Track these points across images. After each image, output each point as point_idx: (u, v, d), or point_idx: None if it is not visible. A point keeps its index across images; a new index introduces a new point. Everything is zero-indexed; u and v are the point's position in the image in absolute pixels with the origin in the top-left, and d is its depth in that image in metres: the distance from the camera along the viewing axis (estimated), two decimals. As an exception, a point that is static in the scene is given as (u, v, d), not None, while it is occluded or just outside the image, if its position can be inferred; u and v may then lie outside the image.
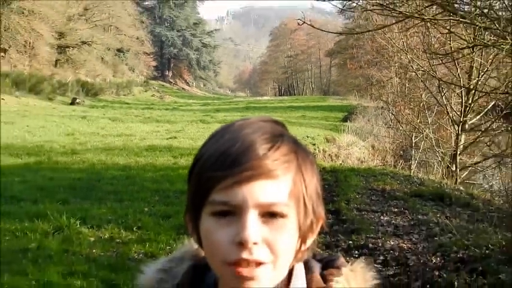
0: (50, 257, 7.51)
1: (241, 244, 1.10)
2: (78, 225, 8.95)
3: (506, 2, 9.12)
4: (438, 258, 7.66)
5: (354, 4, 11.99)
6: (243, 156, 1.12)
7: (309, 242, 1.23)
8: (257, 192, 1.11)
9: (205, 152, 1.18)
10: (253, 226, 1.10)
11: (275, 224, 1.13)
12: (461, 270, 7.00)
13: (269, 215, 1.12)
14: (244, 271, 1.11)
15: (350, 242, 8.54)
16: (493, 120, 18.60)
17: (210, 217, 1.14)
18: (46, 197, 10.83)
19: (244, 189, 1.10)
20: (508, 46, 8.69)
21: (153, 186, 12.54)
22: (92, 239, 8.47)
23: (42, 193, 11.26)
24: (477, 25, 8.81)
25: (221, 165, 1.12)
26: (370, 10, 11.90)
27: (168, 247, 7.84)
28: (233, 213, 1.12)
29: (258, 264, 1.12)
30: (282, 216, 1.13)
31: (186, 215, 1.23)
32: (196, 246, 1.29)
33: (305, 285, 1.24)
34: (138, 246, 8.04)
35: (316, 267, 1.28)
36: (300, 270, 1.25)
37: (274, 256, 1.13)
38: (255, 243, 1.10)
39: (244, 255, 1.10)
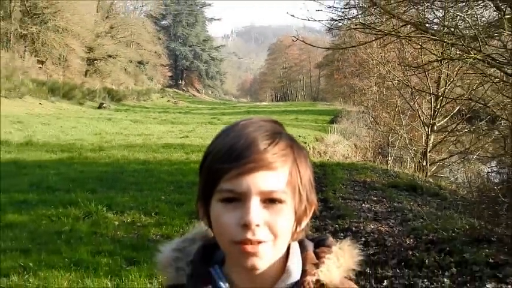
0: (81, 238, 7.57)
1: (246, 226, 1.14)
2: (105, 211, 9.01)
3: (470, 22, 9.14)
4: (411, 240, 7.70)
5: (340, 24, 12.04)
6: (246, 150, 1.15)
7: (303, 224, 1.27)
8: (259, 181, 1.15)
9: (214, 147, 1.22)
10: (256, 211, 1.14)
11: (274, 208, 1.17)
12: (431, 250, 7.03)
13: (269, 201, 1.16)
14: (249, 248, 1.15)
15: (336, 225, 8.57)
16: (457, 122, 18.66)
17: (218, 203, 1.18)
18: (77, 187, 10.87)
19: (248, 179, 1.14)
20: (471, 60, 8.69)
21: (169, 178, 12.53)
22: (117, 223, 8.51)
23: (74, 184, 11.30)
24: (445, 41, 8.80)
25: (228, 158, 1.16)
26: (354, 29, 11.92)
27: (181, 230, 7.84)
28: (238, 199, 1.15)
29: (260, 242, 1.16)
30: (281, 202, 1.17)
31: (198, 202, 1.26)
32: (205, 228, 1.33)
33: (301, 262, 1.27)
34: (156, 229, 8.09)
35: (310, 246, 1.31)
36: (296, 249, 1.29)
37: (274, 236, 1.17)
38: (257, 225, 1.14)
39: (249, 235, 1.14)
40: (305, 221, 1.28)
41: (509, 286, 5.66)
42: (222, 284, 1.25)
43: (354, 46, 16.78)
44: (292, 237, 1.26)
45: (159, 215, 8.85)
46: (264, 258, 1.18)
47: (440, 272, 6.24)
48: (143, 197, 10.10)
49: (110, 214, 8.94)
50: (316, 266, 1.25)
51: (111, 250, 6.97)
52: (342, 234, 8.01)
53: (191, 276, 1.29)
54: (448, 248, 7.01)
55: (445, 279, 6.01)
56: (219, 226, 1.19)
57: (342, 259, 1.27)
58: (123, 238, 7.63)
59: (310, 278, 1.22)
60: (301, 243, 1.31)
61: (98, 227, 8.21)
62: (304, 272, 1.25)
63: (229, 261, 1.27)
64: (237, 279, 1.26)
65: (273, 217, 1.16)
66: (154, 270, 5.98)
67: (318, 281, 1.23)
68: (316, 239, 1.35)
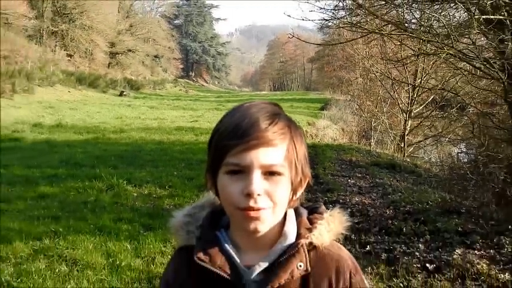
0: (104, 207, 7.57)
1: (249, 195, 1.16)
2: (125, 184, 9.00)
3: (443, 22, 9.08)
4: (391, 211, 7.69)
5: (330, 23, 11.96)
6: (250, 129, 1.17)
7: (299, 193, 1.28)
8: (261, 156, 1.16)
9: (221, 125, 1.23)
10: (258, 182, 1.16)
11: (274, 180, 1.18)
12: (408, 220, 7.02)
13: (269, 173, 1.18)
14: (252, 213, 1.17)
15: (326, 198, 8.56)
16: (432, 109, 18.67)
17: (225, 175, 1.19)
18: (101, 164, 10.87)
19: (251, 154, 1.16)
20: (444, 55, 8.65)
21: (180, 156, 12.48)
22: (135, 194, 8.50)
23: (98, 160, 11.30)
24: (422, 39, 8.74)
25: (234, 136, 1.17)
26: (342, 27, 11.86)
27: (191, 200, 7.77)
28: (242, 172, 1.17)
29: (262, 210, 1.18)
30: (279, 174, 1.19)
31: (206, 174, 1.27)
32: (213, 197, 1.33)
33: (296, 226, 1.28)
34: (169, 200, 8.07)
35: (304, 213, 1.33)
36: (292, 215, 1.30)
37: (273, 203, 1.19)
38: (258, 195, 1.16)
39: (251, 203, 1.16)
40: (300, 191, 1.29)
41: (476, 251, 5.66)
42: (227, 245, 1.27)
43: (342, 42, 16.65)
44: (288, 205, 1.27)
45: (172, 188, 8.83)
46: (265, 223, 1.20)
47: (416, 239, 6.23)
48: (158, 173, 10.07)
49: (129, 187, 8.92)
50: (309, 230, 1.27)
51: (130, 218, 6.97)
52: (330, 205, 7.99)
53: (199, 239, 1.30)
54: (422, 218, 7.00)
55: (420, 245, 6.00)
56: (225, 195, 1.20)
57: (332, 224, 1.29)
58: (141, 207, 7.62)
59: (304, 241, 1.24)
60: (297, 210, 1.33)
61: (119, 198, 8.20)
62: (298, 235, 1.26)
63: (233, 225, 1.29)
64: (240, 241, 1.28)
65: (272, 187, 1.18)
66: (168, 235, 5.99)
67: (310, 243, 1.25)
68: (310, 206, 1.36)
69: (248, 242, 1.27)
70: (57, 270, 5.08)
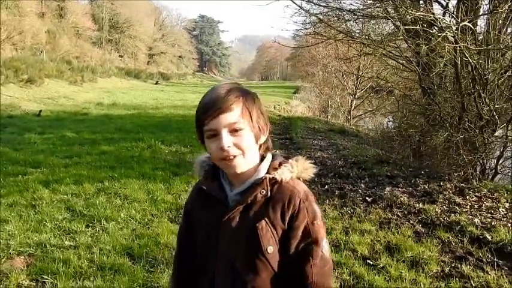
0: (145, 160, 7.47)
1: (222, 149, 1.17)
2: (160, 144, 8.88)
3: (378, 32, 8.98)
4: (342, 162, 7.67)
5: (300, 33, 11.85)
6: (213, 104, 1.17)
7: (262, 138, 1.27)
8: (223, 120, 1.16)
9: (198, 107, 1.22)
10: (226, 138, 1.16)
11: (237, 134, 1.18)
12: (353, 168, 7.02)
13: (234, 130, 1.17)
14: (228, 162, 1.19)
15: (297, 153, 8.52)
16: (369, 93, 18.59)
17: (207, 139, 1.20)
18: (143, 130, 10.70)
19: (217, 120, 1.16)
20: (379, 54, 8.59)
21: (198, 125, 12.38)
22: (166, 151, 8.39)
23: (141, 128, 11.12)
24: (363, 43, 8.67)
25: (204, 111, 1.19)
26: (308, 35, 11.76)
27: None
28: (216, 134, 1.17)
29: (234, 156, 1.18)
30: (240, 129, 1.18)
31: (201, 142, 1.25)
32: None
33: (267, 167, 1.26)
34: (190, 155, 7.96)
35: (279, 159, 1.29)
36: (268, 159, 1.28)
37: (241, 150, 1.19)
38: (229, 147, 1.17)
39: (225, 154, 1.17)
40: (263, 137, 1.27)
41: (399, 189, 5.66)
42: (222, 179, 1.30)
43: (309, 46, 16.51)
44: (260, 149, 1.27)
45: (192, 146, 8.73)
46: (240, 166, 1.20)
47: (359, 180, 6.23)
48: (182, 136, 9.93)
49: (162, 146, 8.79)
50: (276, 169, 1.25)
51: (163, 167, 6.88)
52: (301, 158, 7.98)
53: (206, 173, 1.33)
54: (363, 166, 7.01)
55: (362, 185, 6.00)
56: (210, 152, 1.22)
57: (295, 167, 1.26)
58: (171, 160, 7.54)
59: (268, 175, 1.23)
60: (274, 157, 1.30)
61: (155, 153, 8.10)
62: (267, 172, 1.25)
63: (223, 170, 1.29)
64: (231, 177, 1.28)
65: (237, 139, 1.18)
66: (190, 178, 5.96)
67: (274, 178, 1.23)
68: (286, 156, 1.32)
69: (235, 178, 1.26)
70: (113, 203, 5.04)
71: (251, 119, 1.21)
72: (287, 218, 1.21)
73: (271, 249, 1.20)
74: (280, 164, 1.26)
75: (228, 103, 1.17)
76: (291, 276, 1.22)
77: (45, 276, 3.27)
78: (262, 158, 1.28)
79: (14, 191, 5.37)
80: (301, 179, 1.28)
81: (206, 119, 1.17)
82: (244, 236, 1.21)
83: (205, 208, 1.30)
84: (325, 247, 1.24)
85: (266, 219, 1.21)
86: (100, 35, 40.97)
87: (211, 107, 1.17)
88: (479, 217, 4.55)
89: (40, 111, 13.69)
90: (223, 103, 1.17)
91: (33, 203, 4.95)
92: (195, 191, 1.38)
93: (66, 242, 3.91)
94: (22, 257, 3.64)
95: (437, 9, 7.17)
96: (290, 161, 1.28)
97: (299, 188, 1.25)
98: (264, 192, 1.21)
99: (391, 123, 12.75)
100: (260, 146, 1.27)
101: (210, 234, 1.26)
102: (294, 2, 8.11)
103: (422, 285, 3.23)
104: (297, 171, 1.26)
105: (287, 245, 1.22)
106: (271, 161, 1.28)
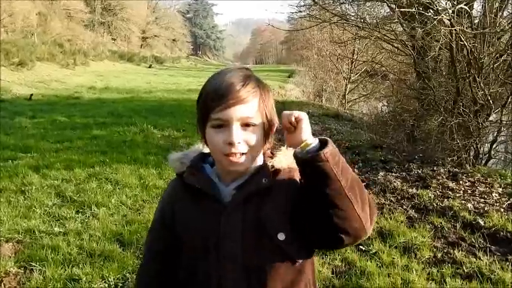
0: (137, 144, 7.39)
1: (230, 144, 1.06)
2: (152, 129, 8.77)
3: (373, 15, 8.90)
4: (335, 147, 7.64)
5: (295, 16, 11.75)
6: (227, 91, 1.06)
7: (271, 138, 1.17)
8: (237, 112, 1.06)
9: (205, 89, 1.12)
10: (237, 132, 1.06)
11: (249, 130, 1.08)
12: (347, 152, 6.98)
13: (246, 125, 1.08)
14: (234, 159, 1.08)
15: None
16: (364, 77, 18.50)
17: (210, 128, 1.09)
18: (135, 114, 10.59)
19: (230, 111, 1.06)
20: (373, 38, 8.52)
21: (191, 109, 12.05)
22: (159, 135, 8.30)
23: (133, 112, 10.99)
24: (358, 26, 8.60)
25: (215, 97, 1.07)
26: (302, 17, 11.66)
27: (198, 139, 7.67)
28: (224, 126, 1.07)
29: (241, 154, 1.08)
30: (253, 125, 1.09)
31: (198, 129, 1.15)
32: (201, 147, 1.24)
33: (262, 158, 1.17)
34: (183, 139, 7.88)
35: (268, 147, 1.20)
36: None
37: (250, 148, 1.09)
38: (238, 143, 1.07)
39: (233, 149, 1.07)
40: (271, 135, 1.17)
41: (393, 173, 5.64)
42: (208, 172, 1.19)
43: (303, 29, 16.29)
44: (263, 147, 1.17)
45: (185, 131, 8.66)
46: (244, 165, 1.11)
47: (353, 165, 6.20)
48: (175, 120, 9.84)
49: (155, 130, 8.69)
50: (271, 158, 1.16)
51: (155, 152, 6.80)
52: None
53: (190, 167, 1.19)
54: (357, 151, 7.00)
55: (355, 170, 5.96)
56: (212, 144, 1.10)
57: (288, 155, 1.14)
58: (163, 145, 7.47)
59: (268, 164, 1.13)
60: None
61: (148, 138, 8.02)
62: (263, 162, 1.16)
63: (218, 165, 1.17)
64: (222, 172, 1.17)
65: (248, 136, 1.08)
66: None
67: (272, 166, 1.13)
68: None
69: (227, 173, 1.15)
70: (104, 188, 4.99)
71: (266, 116, 1.12)
72: (291, 194, 1.12)
73: (283, 235, 1.11)
74: (272, 153, 1.19)
75: (246, 94, 1.07)
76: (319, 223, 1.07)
77: (33, 264, 3.22)
78: None
79: (4, 176, 5.29)
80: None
81: (217, 107, 1.06)
82: (251, 231, 1.11)
83: (193, 207, 1.17)
84: None
85: (271, 207, 1.12)
86: (92, 17, 40.34)
87: (225, 95, 1.06)
88: (472, 202, 4.54)
89: (31, 95, 13.52)
90: (241, 93, 1.07)
91: (22, 188, 4.88)
92: (178, 189, 1.22)
93: (55, 229, 3.86)
94: (10, 243, 3.59)
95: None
96: (282, 148, 1.19)
97: (297, 172, 1.15)
98: (266, 182, 1.12)
99: (385, 107, 12.72)
100: (264, 145, 1.17)
101: (206, 237, 1.14)
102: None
103: (414, 271, 3.21)
104: (290, 159, 1.16)
105: (299, 208, 1.10)
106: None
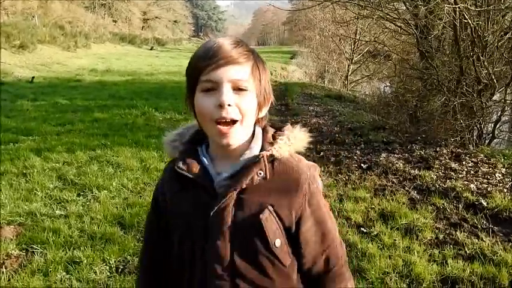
0: (139, 127, 7.37)
1: (221, 106, 0.97)
2: (153, 111, 8.73)
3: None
4: (338, 128, 7.56)
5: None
6: (217, 51, 0.99)
7: (264, 110, 1.09)
8: (229, 72, 0.98)
9: (195, 54, 1.04)
10: (228, 94, 0.97)
11: (242, 94, 0.99)
12: (349, 134, 6.92)
13: (238, 89, 0.99)
14: (224, 129, 0.98)
15: (293, 120, 8.39)
16: (366, 57, 18.31)
17: (200, 93, 1.00)
18: (137, 97, 10.52)
19: (221, 71, 0.98)
20: (376, 17, 8.37)
21: (193, 91, 12.20)
22: (161, 118, 8.26)
23: (135, 95, 10.93)
24: (360, 5, 8.45)
25: (205, 57, 0.99)
26: (305, -2, 11.47)
27: (200, 122, 7.71)
28: (214, 89, 0.98)
29: (233, 122, 0.99)
30: (246, 89, 1.00)
31: (187, 100, 1.06)
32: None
33: (261, 142, 1.07)
34: (184, 122, 7.83)
35: (271, 131, 1.10)
36: (259, 133, 1.09)
37: (242, 115, 1.00)
38: (229, 105, 0.97)
39: (223, 113, 0.97)
40: (265, 109, 1.09)
41: (395, 155, 5.59)
42: (204, 158, 1.07)
43: (305, 9, 16.06)
44: (257, 122, 1.09)
45: (186, 114, 8.58)
46: (235, 137, 1.01)
47: (355, 147, 6.15)
48: (177, 103, 9.75)
49: (156, 113, 8.65)
50: (271, 144, 1.05)
51: (157, 134, 6.75)
52: (296, 125, 7.89)
53: (182, 152, 1.10)
54: (359, 132, 6.93)
55: (357, 151, 5.91)
56: (200, 110, 1.01)
57: (292, 140, 1.07)
58: (165, 127, 7.37)
59: (265, 153, 1.03)
60: (265, 129, 1.10)
61: (149, 120, 7.98)
62: (262, 149, 1.05)
63: (210, 140, 1.09)
64: (215, 154, 1.08)
65: (240, 100, 0.99)
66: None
67: (271, 155, 1.03)
68: (277, 125, 1.13)
69: (222, 155, 1.06)
70: (105, 171, 4.96)
71: (260, 82, 1.04)
72: (296, 206, 1.04)
73: (279, 242, 1.03)
74: (274, 138, 1.08)
75: (237, 55, 1.00)
76: (305, 265, 1.09)
77: (34, 246, 3.22)
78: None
79: (5, 159, 5.27)
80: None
81: (207, 68, 0.98)
82: (244, 230, 1.02)
83: (184, 197, 1.07)
84: (333, 224, 1.12)
85: (270, 207, 1.02)
86: (93, -1, 40.07)
87: (215, 55, 0.98)
88: (475, 183, 4.50)
89: (33, 77, 13.44)
90: (232, 53, 0.99)
91: (24, 171, 4.87)
92: (168, 174, 1.13)
93: (56, 211, 3.85)
94: (12, 226, 3.58)
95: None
96: (286, 132, 1.09)
97: (303, 166, 1.07)
98: (262, 173, 1.01)
99: (388, 88, 12.60)
100: (257, 119, 1.08)
101: (193, 231, 1.05)
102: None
103: (416, 253, 3.19)
104: (295, 145, 1.08)
105: (297, 232, 1.06)
106: (264, 134, 1.09)
